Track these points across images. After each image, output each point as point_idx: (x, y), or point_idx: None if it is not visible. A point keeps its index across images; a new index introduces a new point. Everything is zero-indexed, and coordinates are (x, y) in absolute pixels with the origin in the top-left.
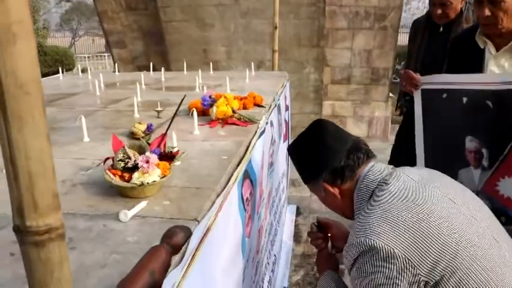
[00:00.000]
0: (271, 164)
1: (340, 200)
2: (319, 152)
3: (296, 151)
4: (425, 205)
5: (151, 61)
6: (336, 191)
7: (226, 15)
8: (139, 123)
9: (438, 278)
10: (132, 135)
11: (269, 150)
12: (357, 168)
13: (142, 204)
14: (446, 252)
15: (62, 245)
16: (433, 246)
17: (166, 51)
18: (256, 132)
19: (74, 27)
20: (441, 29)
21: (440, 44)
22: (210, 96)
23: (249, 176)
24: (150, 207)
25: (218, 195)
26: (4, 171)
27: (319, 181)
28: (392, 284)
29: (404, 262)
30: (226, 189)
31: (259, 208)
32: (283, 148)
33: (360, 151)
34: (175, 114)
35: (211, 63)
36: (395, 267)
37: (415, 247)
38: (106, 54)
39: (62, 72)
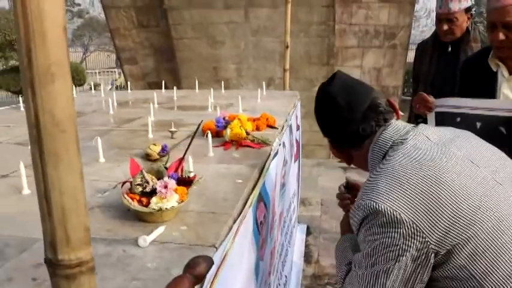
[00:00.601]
0: (283, 185)
1: (359, 160)
2: (328, 119)
3: (315, 109)
4: (439, 167)
5: (162, 78)
6: (343, 156)
7: (236, 33)
8: (154, 144)
9: (450, 247)
10: (147, 157)
11: (281, 172)
12: (374, 131)
13: (161, 229)
14: (460, 219)
15: (91, 278)
16: (446, 212)
17: (177, 68)
18: (269, 154)
19: (85, 42)
20: (449, 48)
21: (450, 64)
22: (224, 118)
23: (262, 199)
24: (168, 233)
25: (235, 221)
26: (24, 191)
27: (336, 145)
28: (398, 251)
29: (412, 228)
30: (242, 214)
31: (272, 230)
32: (294, 168)
33: (377, 113)
34: (191, 140)
35: (222, 82)
36: (401, 232)
37: (425, 212)
38: (116, 70)
39: (75, 86)
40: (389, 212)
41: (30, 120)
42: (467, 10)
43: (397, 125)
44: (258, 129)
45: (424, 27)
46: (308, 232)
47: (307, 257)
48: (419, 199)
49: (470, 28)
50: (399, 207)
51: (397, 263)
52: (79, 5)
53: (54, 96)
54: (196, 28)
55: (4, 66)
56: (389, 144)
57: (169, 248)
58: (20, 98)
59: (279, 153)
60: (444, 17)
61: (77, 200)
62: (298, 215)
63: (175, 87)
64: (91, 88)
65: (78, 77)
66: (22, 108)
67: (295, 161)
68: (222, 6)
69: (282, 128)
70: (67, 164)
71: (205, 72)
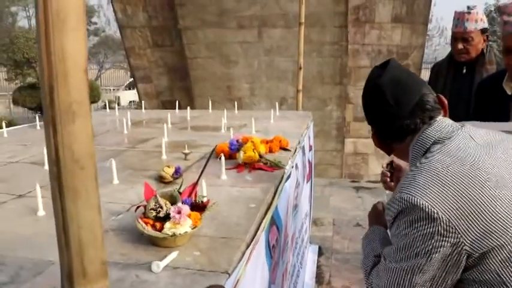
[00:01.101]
0: (295, 207)
1: (399, 152)
2: (374, 110)
3: (362, 100)
4: (481, 168)
5: (175, 96)
6: (383, 147)
7: (250, 52)
8: (168, 166)
9: (484, 250)
10: (161, 179)
11: (294, 193)
12: (418, 128)
13: (174, 254)
14: (498, 222)
15: None
16: (484, 214)
17: (191, 87)
18: (282, 177)
19: (100, 60)
20: (464, 70)
21: (464, 85)
22: (237, 141)
23: (275, 222)
24: (181, 258)
25: (247, 246)
26: (39, 212)
27: (378, 135)
28: (431, 248)
29: (448, 227)
30: (254, 239)
31: (284, 252)
32: (306, 189)
33: (423, 111)
34: (204, 167)
35: (235, 102)
36: (436, 230)
37: (463, 212)
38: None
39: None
40: (426, 208)
41: (51, 157)
42: (483, 31)
43: (443, 123)
44: (271, 151)
45: (437, 46)
46: (320, 253)
47: (319, 278)
48: (458, 198)
49: (485, 50)
50: (437, 204)
51: (428, 260)
52: (95, 23)
53: (74, 134)
54: (210, 47)
55: (22, 83)
56: (431, 141)
57: (182, 273)
58: (37, 116)
59: (291, 176)
60: (460, 36)
61: (95, 233)
62: (310, 235)
63: (188, 108)
64: (105, 105)
65: (93, 94)
66: (38, 127)
67: (307, 182)
68: (236, 26)
69: (295, 150)
70: (85, 199)
71: (218, 91)
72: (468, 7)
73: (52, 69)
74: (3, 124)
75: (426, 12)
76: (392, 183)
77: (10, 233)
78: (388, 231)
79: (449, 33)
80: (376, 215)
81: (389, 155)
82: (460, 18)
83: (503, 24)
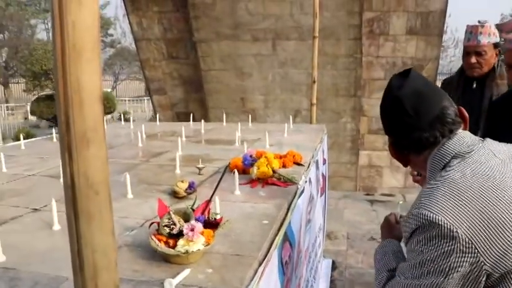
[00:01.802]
0: (308, 221)
1: (416, 165)
2: (392, 120)
3: (380, 110)
4: (503, 185)
5: (190, 108)
6: (400, 158)
7: (264, 64)
8: (182, 181)
9: (504, 271)
10: (175, 194)
11: (307, 208)
12: (437, 142)
13: (186, 272)
14: None
15: None
16: (505, 233)
17: (205, 99)
18: (296, 193)
19: (116, 71)
20: (475, 84)
21: (475, 99)
22: (250, 156)
23: (288, 239)
24: (194, 275)
25: (260, 264)
26: (55, 227)
27: (395, 146)
28: (449, 266)
29: (468, 245)
30: (267, 256)
31: (297, 268)
32: (320, 202)
33: (443, 124)
34: (218, 183)
35: (249, 116)
36: (455, 248)
37: (483, 230)
38: (145, 98)
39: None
40: (445, 225)
41: (66, 182)
42: (496, 46)
43: (463, 137)
44: (284, 166)
45: (452, 57)
46: (333, 267)
47: None
48: (478, 216)
49: (496, 65)
50: (457, 221)
51: (446, 279)
52: (111, 35)
53: (89, 161)
54: (225, 60)
55: (39, 94)
56: (451, 156)
57: None
58: (54, 130)
59: (305, 191)
60: (473, 49)
61: (109, 257)
62: (324, 249)
63: (203, 121)
64: (120, 117)
65: (108, 105)
66: (55, 139)
67: (321, 195)
68: (250, 39)
69: (309, 164)
70: (99, 224)
71: (232, 103)
72: (479, 21)
73: (68, 99)
74: (21, 136)
75: (441, 23)
76: (398, 211)
77: (26, 248)
78: (402, 244)
79: None
80: (389, 228)
81: (405, 166)
82: (473, 31)
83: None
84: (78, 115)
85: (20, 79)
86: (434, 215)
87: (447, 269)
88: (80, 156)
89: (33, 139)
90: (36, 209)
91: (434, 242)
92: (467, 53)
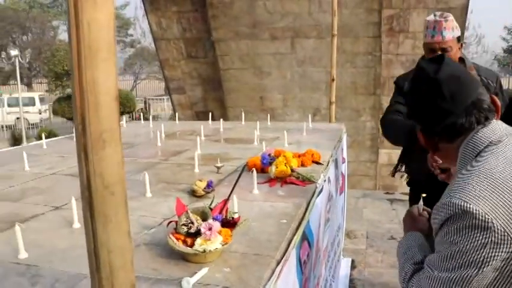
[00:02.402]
0: (327, 220)
1: (445, 153)
2: (425, 106)
3: (408, 91)
4: None
5: (209, 107)
6: (430, 145)
7: (283, 63)
8: (200, 180)
9: None
10: (193, 193)
11: (326, 207)
12: (471, 128)
13: (204, 271)
14: None
15: None
16: None
17: (224, 98)
18: (314, 192)
19: (136, 71)
20: None
21: None
22: (269, 155)
23: (306, 238)
24: (211, 274)
25: (278, 263)
26: (75, 225)
27: (425, 133)
28: (483, 259)
29: (503, 236)
30: (285, 255)
31: (315, 267)
32: (339, 201)
33: (479, 110)
34: (236, 183)
35: (268, 114)
36: (489, 239)
37: None
38: (165, 97)
39: (122, 114)
40: (480, 215)
41: (83, 183)
42: (458, 39)
43: (497, 125)
44: (303, 165)
45: (474, 54)
46: (353, 266)
47: None
48: None
49: (464, 57)
50: (492, 211)
51: (478, 272)
52: (131, 35)
53: (104, 161)
54: (243, 59)
55: (61, 94)
56: (485, 144)
57: None
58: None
59: (324, 190)
60: (438, 46)
61: (125, 257)
62: (343, 248)
63: (221, 119)
64: (140, 117)
65: (128, 104)
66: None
67: (340, 194)
68: (269, 38)
69: (327, 163)
70: (115, 224)
71: (251, 101)
72: (440, 14)
73: (84, 100)
74: (43, 136)
75: (462, 20)
76: (421, 203)
77: (47, 245)
78: (429, 237)
79: (487, 41)
80: (412, 220)
81: (433, 153)
82: (436, 26)
83: None
84: (94, 116)
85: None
86: (467, 204)
87: (480, 261)
88: (96, 157)
89: (54, 138)
90: (57, 207)
91: (467, 232)
92: (431, 50)
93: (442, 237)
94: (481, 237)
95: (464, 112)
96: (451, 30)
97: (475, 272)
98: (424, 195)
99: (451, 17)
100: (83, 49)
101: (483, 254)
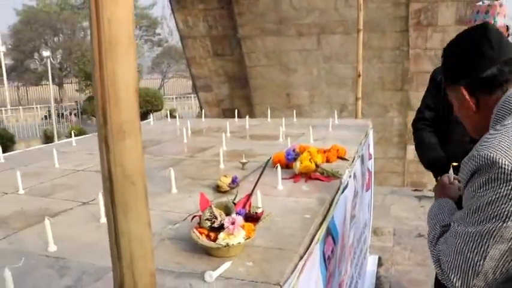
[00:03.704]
0: (353, 217)
1: (475, 113)
2: (470, 54)
3: (448, 48)
4: None
5: (235, 104)
6: (473, 101)
7: (309, 60)
8: (225, 176)
9: None
10: (218, 188)
11: (351, 203)
12: (508, 83)
13: (227, 265)
14: None
15: None
16: None
17: (250, 95)
18: (339, 188)
19: (163, 69)
20: None
21: None
22: (293, 150)
23: (331, 233)
24: (234, 268)
25: (301, 258)
26: (102, 220)
27: (459, 86)
28: (507, 213)
29: None
30: (308, 250)
31: (340, 263)
32: (366, 197)
33: None
34: (259, 177)
35: (294, 111)
36: None
37: None
38: (192, 95)
39: (150, 112)
40: (507, 167)
41: (104, 173)
42: (507, 29)
43: None
44: (328, 161)
45: None
46: (379, 263)
47: None
48: None
49: None
50: None
51: (504, 224)
52: (159, 34)
53: (125, 152)
54: (269, 56)
55: (91, 93)
56: None
57: (234, 284)
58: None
59: (349, 185)
60: None
61: (145, 247)
62: (370, 245)
63: (247, 116)
64: (167, 115)
65: (156, 103)
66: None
67: (366, 191)
68: (295, 34)
69: (353, 159)
70: (135, 214)
71: (278, 98)
72: None
73: (105, 93)
74: (73, 134)
75: None
76: (451, 172)
77: (76, 239)
78: (459, 204)
79: None
80: (443, 188)
81: (473, 112)
82: (489, 11)
83: None
84: (115, 107)
85: (73, 79)
86: (495, 155)
87: (504, 215)
88: (117, 147)
89: (83, 136)
90: (84, 203)
91: (493, 184)
92: None
93: (468, 193)
94: (506, 190)
95: (503, 63)
96: (503, 17)
97: (500, 224)
98: (455, 164)
99: (504, 3)
100: (104, 44)
101: (508, 207)
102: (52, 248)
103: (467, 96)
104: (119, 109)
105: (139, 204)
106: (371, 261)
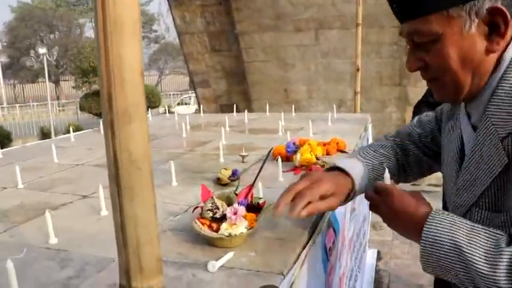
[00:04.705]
0: (353, 210)
1: (483, 64)
2: None
3: None
4: None
5: (233, 100)
6: (483, 45)
7: (307, 55)
8: (225, 169)
9: None
10: (218, 181)
11: None
12: None
13: (229, 255)
14: None
15: None
16: None
17: (248, 91)
18: None
19: (160, 66)
20: None
21: None
22: (294, 143)
23: (332, 225)
24: (237, 258)
25: (303, 247)
26: (102, 212)
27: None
28: None
29: None
30: (311, 240)
31: (341, 255)
32: None
33: None
34: (261, 168)
35: (293, 105)
36: None
37: None
38: (190, 92)
39: (148, 109)
40: None
41: (110, 158)
42: None
43: None
44: (328, 153)
45: None
46: (379, 257)
47: (378, 283)
48: None
49: None
50: None
51: None
52: (156, 31)
53: (131, 136)
54: (267, 51)
55: (88, 90)
56: None
57: (237, 274)
58: (101, 121)
59: None
60: None
61: (150, 232)
62: (369, 239)
63: (246, 111)
64: (165, 111)
65: (153, 100)
66: (102, 132)
67: None
68: (292, 29)
69: (353, 152)
70: (141, 199)
71: (276, 94)
72: None
73: (110, 75)
74: (71, 129)
75: None
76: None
77: (77, 231)
78: None
79: None
80: (411, 198)
81: (484, 53)
82: None
83: None
84: (120, 91)
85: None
86: None
87: None
88: (122, 132)
89: (82, 131)
90: (84, 196)
91: None
92: None
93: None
94: None
95: None
96: None
97: None
98: None
99: None
100: (109, 25)
101: None
102: (53, 240)
103: (508, 14)
104: (125, 93)
105: (145, 190)
106: (370, 255)
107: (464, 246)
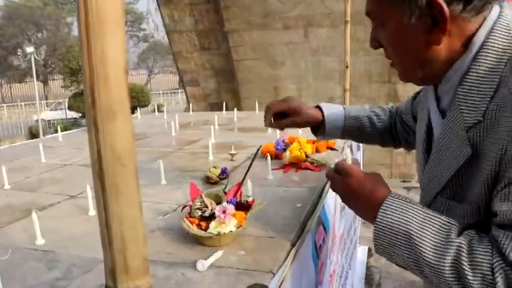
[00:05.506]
0: (343, 207)
1: (417, 47)
2: None
3: None
4: None
5: (223, 99)
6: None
7: (296, 53)
8: (215, 167)
9: None
10: (208, 179)
11: None
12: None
13: (219, 253)
14: None
15: None
16: None
17: (238, 89)
18: None
19: (150, 65)
20: None
21: None
22: (283, 141)
23: (322, 223)
24: (226, 257)
25: (293, 245)
26: (90, 212)
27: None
28: None
29: None
30: (300, 239)
31: (331, 253)
32: None
33: None
34: (249, 166)
35: None
36: None
37: None
38: (179, 91)
39: (137, 108)
40: None
41: (93, 155)
42: None
43: None
44: (317, 151)
45: None
46: (369, 254)
47: (369, 280)
48: None
49: None
50: None
51: None
52: (144, 30)
53: (115, 133)
54: (256, 49)
55: (76, 90)
56: None
57: (226, 272)
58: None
59: None
60: None
61: (136, 231)
62: (359, 236)
63: (235, 109)
64: (155, 109)
65: (143, 99)
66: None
67: None
68: (282, 27)
69: (342, 149)
70: (126, 197)
71: (265, 92)
72: None
73: (93, 71)
74: (59, 128)
75: None
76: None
77: (64, 232)
78: None
79: None
80: (372, 180)
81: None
82: None
83: None
84: (103, 88)
85: (58, 76)
86: None
87: None
88: (106, 128)
89: (70, 131)
90: (72, 196)
91: None
92: None
93: None
94: None
95: None
96: None
97: None
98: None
99: None
100: (91, 21)
101: None
102: (40, 241)
103: (445, 8)
104: (108, 89)
105: (130, 187)
106: (361, 252)
107: (415, 234)
